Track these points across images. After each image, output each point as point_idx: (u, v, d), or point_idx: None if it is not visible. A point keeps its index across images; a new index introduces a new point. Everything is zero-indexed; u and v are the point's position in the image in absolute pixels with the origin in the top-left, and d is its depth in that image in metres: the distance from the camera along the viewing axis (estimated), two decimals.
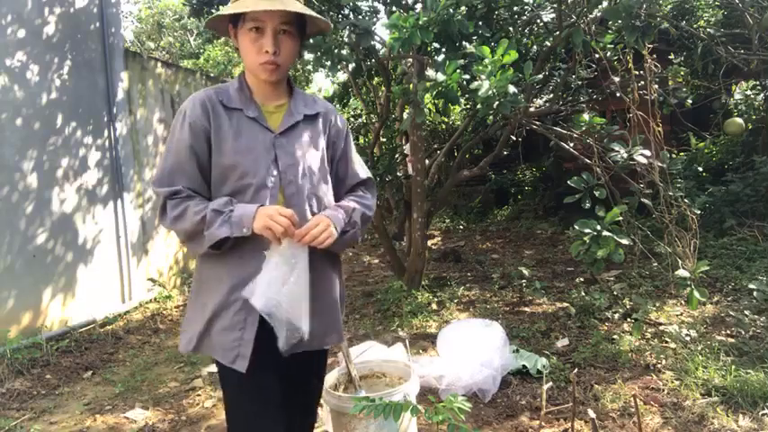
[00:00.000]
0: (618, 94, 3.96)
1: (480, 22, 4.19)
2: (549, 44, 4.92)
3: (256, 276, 1.41)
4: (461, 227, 8.69)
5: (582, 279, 4.87)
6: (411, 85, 4.01)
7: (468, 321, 3.41)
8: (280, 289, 1.37)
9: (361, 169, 1.75)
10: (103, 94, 4.96)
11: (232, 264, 1.49)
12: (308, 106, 1.63)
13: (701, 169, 6.64)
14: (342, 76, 6.99)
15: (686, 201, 3.50)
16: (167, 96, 5.87)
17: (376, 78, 6.37)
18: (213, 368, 3.63)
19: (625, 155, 3.43)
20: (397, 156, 6.31)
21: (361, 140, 8.22)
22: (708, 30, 5.07)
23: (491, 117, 5.16)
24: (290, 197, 1.52)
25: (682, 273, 2.92)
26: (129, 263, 5.14)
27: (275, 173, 1.51)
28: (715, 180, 6.37)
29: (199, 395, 3.25)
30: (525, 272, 5.10)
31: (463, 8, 3.82)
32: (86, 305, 4.61)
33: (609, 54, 4.17)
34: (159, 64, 5.88)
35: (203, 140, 1.50)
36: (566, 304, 4.23)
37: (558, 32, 4.41)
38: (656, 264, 4.09)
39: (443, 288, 4.93)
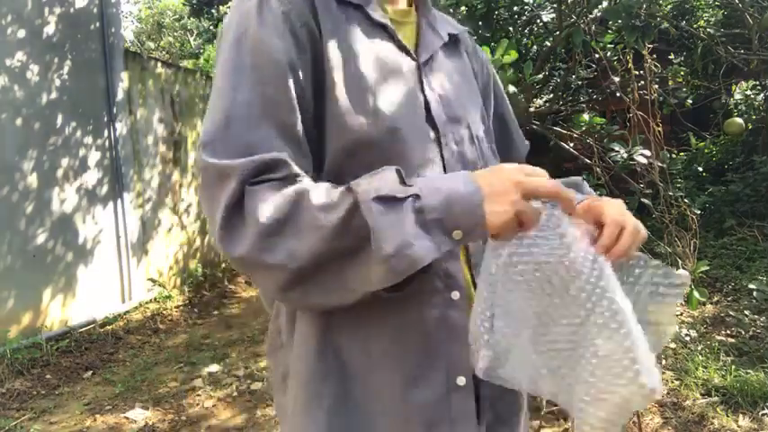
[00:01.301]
0: (618, 94, 3.95)
1: (480, 22, 4.19)
2: (549, 44, 4.91)
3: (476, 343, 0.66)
4: None
5: None
6: None
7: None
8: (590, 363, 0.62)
9: (521, 136, 1.05)
10: (103, 94, 4.95)
11: (389, 320, 0.72)
12: (444, 24, 0.92)
13: (701, 169, 6.63)
14: None
15: (686, 201, 3.50)
16: (167, 96, 5.86)
17: None
18: (213, 368, 3.64)
19: (625, 155, 3.43)
20: None
21: None
22: (708, 30, 5.07)
23: None
24: None
25: (682, 273, 2.92)
26: (129, 263, 5.13)
27: (432, 135, 0.78)
28: (715, 180, 6.37)
29: (199, 395, 3.25)
30: None
31: (463, 8, 3.82)
32: (86, 305, 4.61)
33: (609, 54, 4.17)
34: (159, 64, 5.88)
35: (309, 58, 0.72)
36: None
37: (558, 32, 4.41)
38: None
39: None
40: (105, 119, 4.95)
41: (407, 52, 0.81)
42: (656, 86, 3.94)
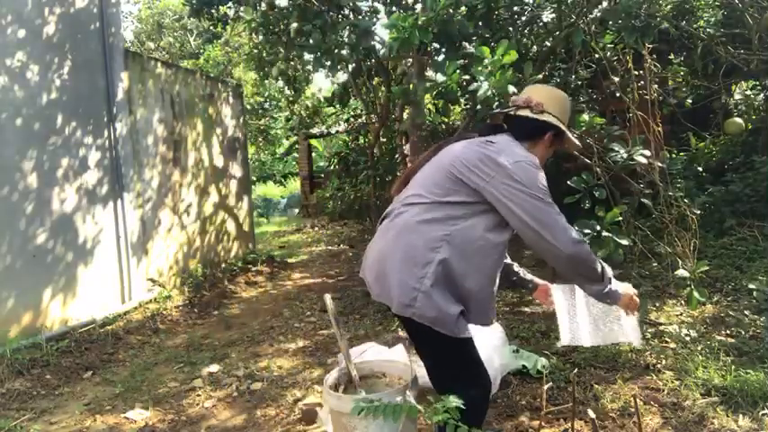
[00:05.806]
0: (618, 94, 3.96)
1: (480, 22, 4.19)
2: (549, 44, 4.92)
3: None
4: None
5: None
6: (411, 85, 4.01)
7: None
8: None
9: None
10: (103, 94, 4.96)
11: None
12: None
13: (700, 169, 6.63)
14: (342, 76, 7.00)
15: (686, 201, 3.50)
16: (167, 96, 5.86)
17: (376, 78, 6.37)
18: (213, 368, 3.64)
19: (625, 155, 3.43)
20: (396, 156, 6.30)
21: (361, 140, 8.21)
22: (708, 30, 5.08)
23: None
24: None
25: (682, 273, 2.92)
26: (129, 263, 5.14)
27: None
28: (715, 180, 6.36)
29: (199, 395, 3.25)
30: None
31: (463, 8, 3.82)
32: (86, 305, 4.61)
33: (609, 54, 4.17)
34: (159, 64, 5.88)
35: None
36: None
37: (558, 32, 4.42)
38: (656, 264, 4.08)
39: None
40: (105, 119, 4.96)
41: None
42: (656, 86, 3.94)
